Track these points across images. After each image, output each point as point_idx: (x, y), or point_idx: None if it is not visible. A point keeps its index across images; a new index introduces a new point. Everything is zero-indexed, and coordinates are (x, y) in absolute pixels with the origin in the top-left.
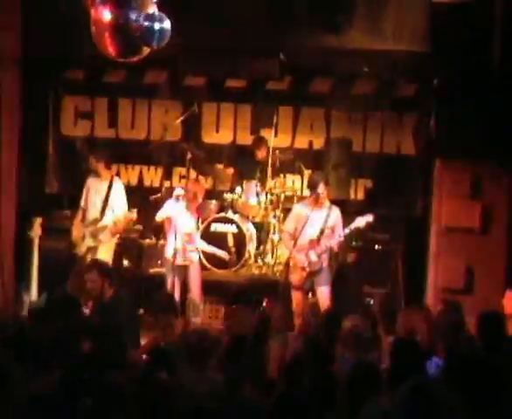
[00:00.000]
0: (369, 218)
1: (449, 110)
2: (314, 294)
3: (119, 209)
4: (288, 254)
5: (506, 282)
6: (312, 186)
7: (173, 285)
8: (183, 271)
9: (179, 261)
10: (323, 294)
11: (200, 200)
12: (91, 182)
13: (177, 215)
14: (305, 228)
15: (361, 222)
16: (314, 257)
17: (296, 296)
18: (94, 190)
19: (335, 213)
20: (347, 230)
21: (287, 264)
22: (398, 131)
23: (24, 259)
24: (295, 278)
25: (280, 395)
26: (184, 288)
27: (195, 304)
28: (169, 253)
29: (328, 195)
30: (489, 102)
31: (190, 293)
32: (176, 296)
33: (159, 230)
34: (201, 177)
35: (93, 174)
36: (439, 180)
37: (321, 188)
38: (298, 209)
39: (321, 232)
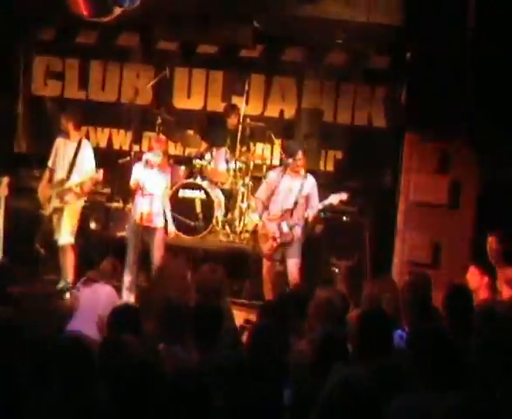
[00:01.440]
0: (343, 196)
1: (420, 84)
2: (282, 264)
3: (86, 172)
4: (257, 221)
5: (472, 257)
6: (289, 153)
7: (136, 248)
8: (148, 234)
9: (145, 223)
10: (293, 266)
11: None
12: (59, 142)
13: (145, 178)
14: (278, 196)
15: (335, 199)
16: (285, 229)
17: (266, 265)
18: (62, 151)
19: (311, 182)
20: (320, 206)
21: (254, 232)
22: (370, 103)
23: None
24: (266, 247)
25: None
26: (147, 252)
27: None
28: (135, 215)
29: (303, 164)
30: (462, 76)
31: (154, 259)
32: (137, 259)
33: (127, 194)
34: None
35: (62, 134)
36: (407, 154)
37: (299, 156)
38: (272, 176)
39: (295, 203)
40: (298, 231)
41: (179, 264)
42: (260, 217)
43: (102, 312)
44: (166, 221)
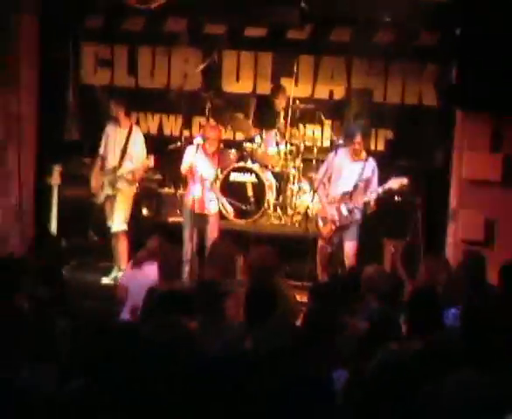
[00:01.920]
0: (403, 181)
1: (471, 60)
2: (339, 247)
3: (137, 158)
4: (308, 203)
5: None
6: (348, 136)
7: (191, 235)
8: (201, 220)
9: (198, 210)
10: (350, 249)
11: (219, 145)
12: (110, 129)
13: (197, 162)
14: (338, 179)
15: (395, 183)
16: (345, 212)
17: (319, 246)
18: (113, 138)
19: (371, 165)
20: (380, 189)
21: (306, 214)
22: (420, 81)
23: (43, 207)
24: (325, 230)
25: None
26: (203, 238)
27: None
28: (188, 201)
29: (362, 147)
30: None
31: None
32: (194, 246)
33: (178, 180)
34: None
35: (112, 121)
36: (460, 132)
37: (358, 139)
38: (333, 157)
39: (355, 187)
40: (357, 215)
41: (227, 246)
42: (315, 196)
43: None
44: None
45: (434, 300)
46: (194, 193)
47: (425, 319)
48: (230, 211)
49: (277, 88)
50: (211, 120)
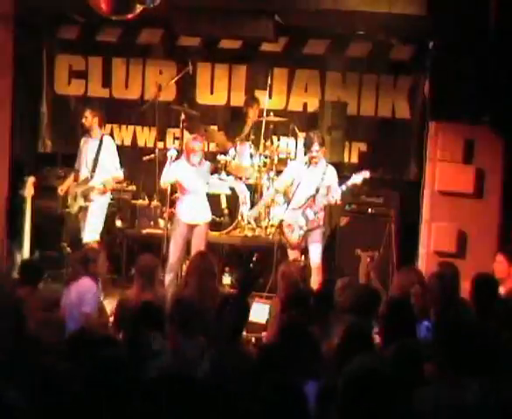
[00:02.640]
0: (365, 174)
1: (443, 73)
2: (306, 254)
3: (109, 169)
4: (281, 216)
5: (499, 246)
6: (306, 145)
7: (180, 248)
8: (190, 232)
9: (188, 220)
10: (315, 252)
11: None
12: (83, 142)
13: (184, 175)
14: (300, 186)
15: (358, 178)
16: (311, 216)
17: (293, 255)
18: (85, 149)
19: (331, 172)
20: (344, 187)
21: (280, 226)
22: (393, 94)
23: (16, 218)
24: (294, 237)
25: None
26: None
27: None
28: (179, 215)
29: (323, 154)
30: (485, 65)
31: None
32: (175, 260)
33: (152, 191)
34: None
35: (86, 134)
36: (432, 143)
37: (316, 147)
38: (293, 166)
39: (317, 190)
40: (322, 218)
41: (205, 262)
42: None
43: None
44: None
45: (408, 312)
46: (185, 205)
47: (399, 331)
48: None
49: (251, 99)
50: (186, 134)
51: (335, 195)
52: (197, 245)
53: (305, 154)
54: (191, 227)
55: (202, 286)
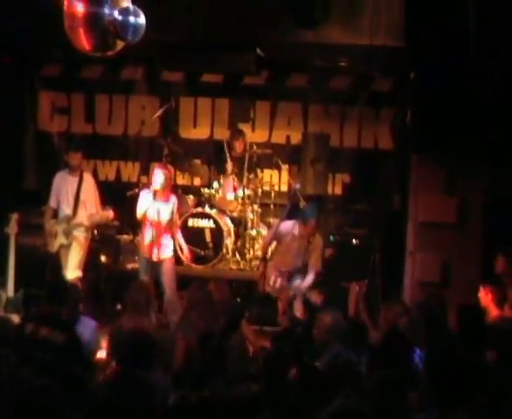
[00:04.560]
0: (318, 300)
1: (425, 105)
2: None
3: (91, 205)
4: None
5: (482, 275)
6: (303, 219)
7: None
8: (155, 267)
9: (154, 257)
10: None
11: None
12: (60, 178)
13: (151, 208)
14: (285, 251)
15: (311, 298)
16: (277, 285)
17: (285, 292)
18: (65, 187)
19: (317, 240)
20: (304, 290)
21: (263, 259)
22: (376, 125)
23: (0, 256)
24: (263, 286)
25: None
26: (158, 285)
27: (172, 302)
28: (143, 248)
29: (315, 231)
30: (466, 97)
31: (166, 292)
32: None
33: (136, 226)
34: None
35: (62, 170)
36: (415, 175)
37: (312, 222)
38: (283, 228)
39: (297, 270)
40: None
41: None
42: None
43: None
44: (179, 248)
45: (405, 343)
46: (148, 238)
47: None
48: (186, 252)
49: (237, 132)
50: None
51: (298, 290)
52: (167, 282)
53: (289, 190)
54: (155, 262)
55: (203, 315)
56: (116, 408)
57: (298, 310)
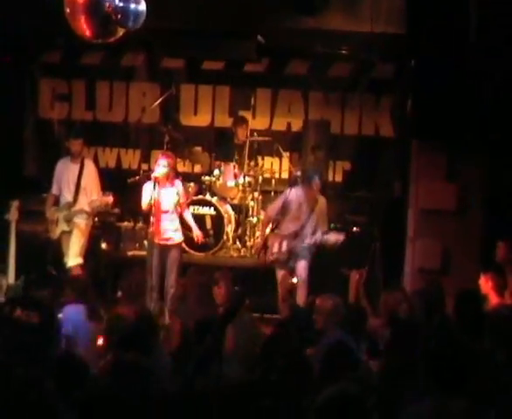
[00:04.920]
0: (339, 238)
1: (426, 91)
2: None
3: (92, 191)
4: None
5: (482, 262)
6: (306, 179)
7: (156, 270)
8: (164, 253)
9: (161, 241)
10: (302, 268)
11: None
12: (62, 165)
13: (158, 196)
14: (290, 217)
15: (331, 238)
16: (284, 248)
17: (280, 273)
18: (66, 174)
19: (321, 202)
20: (318, 240)
21: (263, 246)
22: (376, 113)
23: (0, 243)
24: (263, 258)
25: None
26: (163, 270)
27: (171, 289)
28: (152, 236)
29: (318, 191)
30: (466, 83)
31: (167, 278)
32: (156, 279)
33: (137, 213)
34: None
35: (63, 158)
36: (415, 162)
37: (317, 181)
38: (288, 195)
39: (302, 227)
40: (299, 252)
41: (203, 279)
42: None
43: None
44: (188, 229)
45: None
46: (156, 225)
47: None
48: (197, 233)
49: (240, 119)
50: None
51: (312, 241)
52: (171, 268)
53: (289, 177)
54: (164, 248)
55: (200, 300)
56: (111, 399)
57: (300, 298)
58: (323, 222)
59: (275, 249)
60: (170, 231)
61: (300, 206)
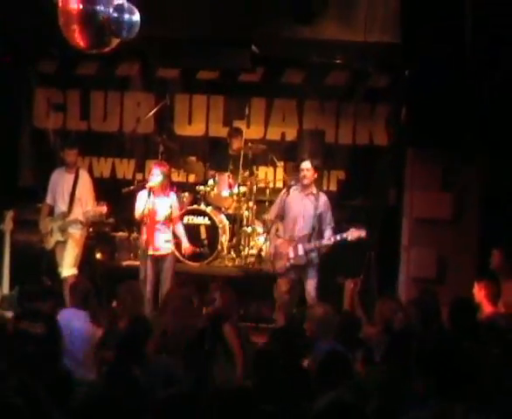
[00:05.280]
0: (362, 233)
1: (420, 100)
2: (296, 285)
3: (86, 201)
4: (261, 244)
5: (477, 271)
6: (296, 164)
7: (150, 280)
8: (157, 263)
9: (155, 253)
10: (311, 287)
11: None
12: (57, 175)
13: (151, 205)
14: (291, 215)
15: (353, 235)
16: (301, 252)
17: (282, 283)
18: (61, 184)
19: (323, 199)
20: (338, 237)
21: (259, 255)
22: (371, 122)
23: None
24: (278, 264)
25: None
26: (157, 281)
27: None
28: (144, 246)
29: (311, 177)
30: (461, 92)
31: (162, 289)
32: (149, 289)
33: (131, 223)
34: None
35: (58, 168)
36: (410, 170)
37: (307, 164)
38: (284, 197)
39: (313, 229)
40: (313, 256)
41: (184, 290)
42: (267, 237)
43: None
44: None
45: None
46: (149, 236)
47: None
48: (185, 246)
49: (235, 130)
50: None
51: (328, 242)
52: (165, 278)
53: (284, 186)
54: (157, 258)
55: (178, 313)
56: (106, 406)
57: (310, 292)
58: (330, 218)
59: (291, 254)
60: (163, 242)
61: (298, 202)
